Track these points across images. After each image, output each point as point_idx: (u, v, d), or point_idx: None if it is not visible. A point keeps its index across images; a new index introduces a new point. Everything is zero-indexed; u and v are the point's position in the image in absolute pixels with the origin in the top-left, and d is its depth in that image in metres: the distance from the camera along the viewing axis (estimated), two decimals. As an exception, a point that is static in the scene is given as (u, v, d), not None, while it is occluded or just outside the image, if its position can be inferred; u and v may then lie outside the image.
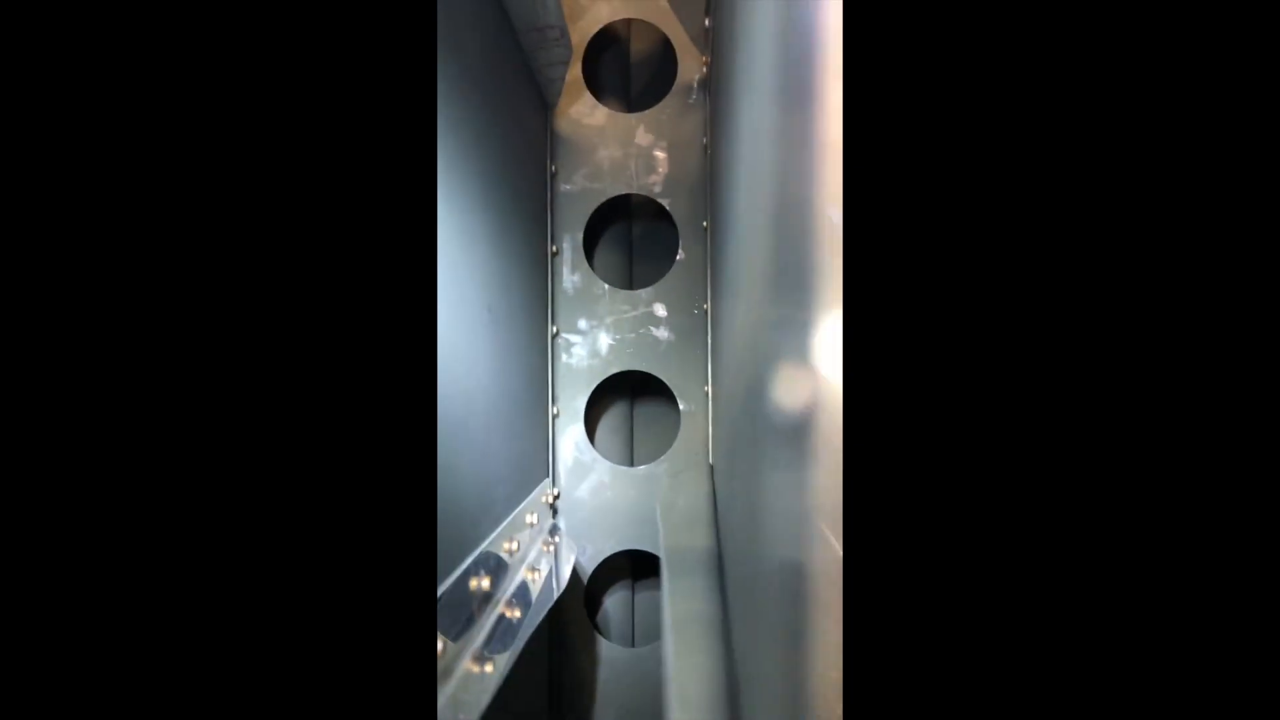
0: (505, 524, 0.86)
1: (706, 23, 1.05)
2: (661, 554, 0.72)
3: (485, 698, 0.55)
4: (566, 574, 0.99)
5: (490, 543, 0.78)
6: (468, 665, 0.62)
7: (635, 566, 1.37)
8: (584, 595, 1.30)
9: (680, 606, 0.55)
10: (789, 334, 0.35)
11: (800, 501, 0.29)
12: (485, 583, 0.72)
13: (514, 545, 0.87)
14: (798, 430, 0.31)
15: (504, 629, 0.74)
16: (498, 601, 0.76)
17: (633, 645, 1.35)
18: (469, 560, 0.70)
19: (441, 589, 0.61)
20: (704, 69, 1.24)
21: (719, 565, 0.66)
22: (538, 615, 0.83)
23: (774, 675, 0.33)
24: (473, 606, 0.69)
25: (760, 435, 0.38)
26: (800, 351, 0.31)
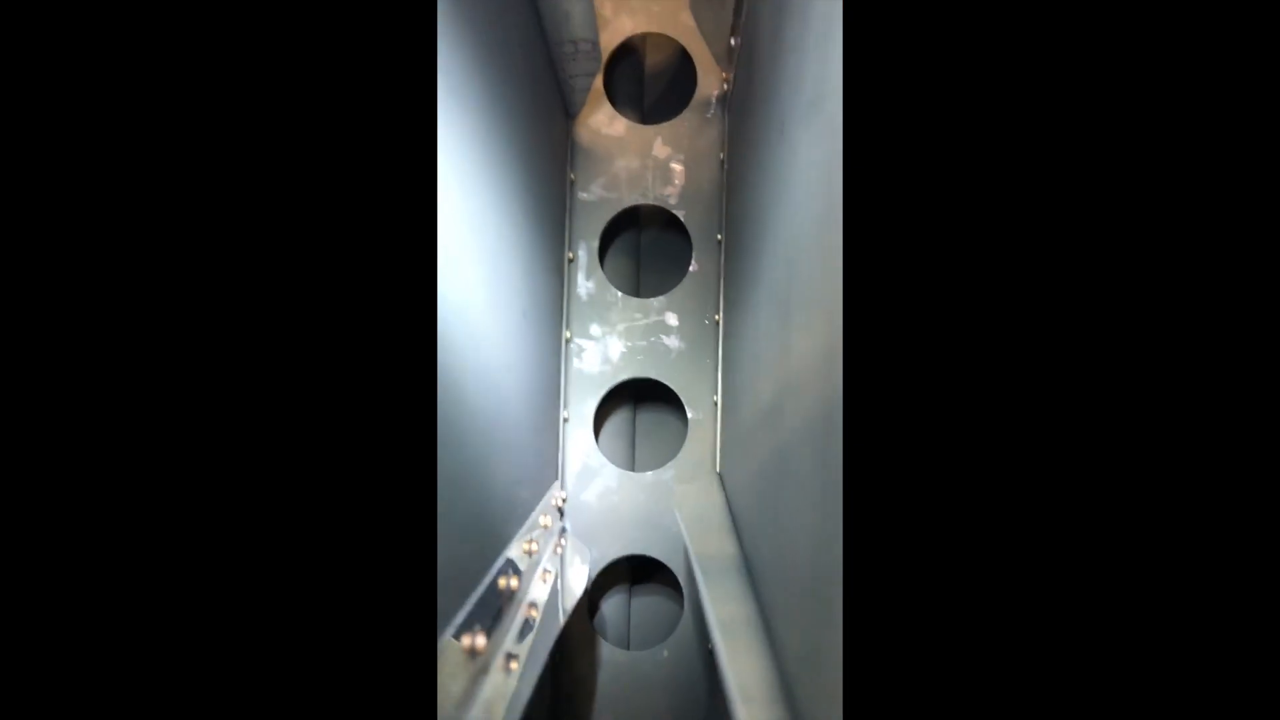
0: (526, 525, 0.88)
1: (732, 42, 1.07)
2: (693, 560, 0.74)
3: (524, 693, 0.57)
4: (581, 580, 1.01)
5: (515, 543, 0.80)
6: (500, 664, 0.63)
7: (634, 570, 1.39)
8: (586, 598, 1.31)
9: (722, 610, 0.57)
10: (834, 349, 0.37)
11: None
12: (513, 582, 0.73)
13: (532, 546, 0.88)
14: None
15: (527, 629, 0.76)
16: (521, 602, 0.77)
17: (628, 648, 1.37)
18: (501, 560, 0.71)
19: (479, 589, 0.62)
20: (724, 85, 1.27)
21: (747, 568, 0.68)
22: (556, 617, 0.85)
23: (834, 671, 0.35)
24: (501, 603, 0.70)
25: (826, 450, 0.40)
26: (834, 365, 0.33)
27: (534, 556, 0.89)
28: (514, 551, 0.80)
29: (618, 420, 1.39)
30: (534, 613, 0.81)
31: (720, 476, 1.21)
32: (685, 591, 1.29)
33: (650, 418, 1.42)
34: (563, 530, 1.22)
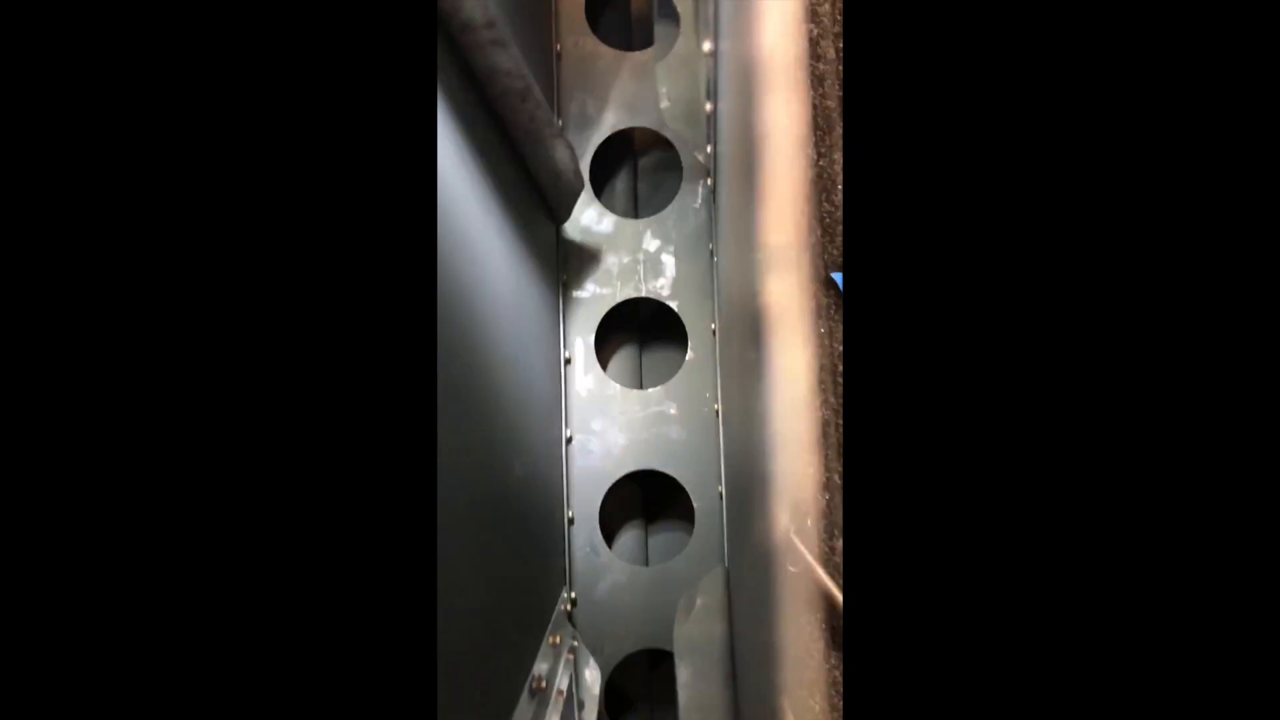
0: (539, 655, 0.88)
1: (708, 149, 1.10)
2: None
3: None
4: (594, 697, 1.00)
5: (531, 680, 0.80)
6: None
7: (651, 661, 1.38)
8: (603, 697, 1.30)
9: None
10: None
11: None
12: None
13: (541, 684, 0.88)
14: None
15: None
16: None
17: (650, 741, 1.35)
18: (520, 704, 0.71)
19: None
20: (708, 180, 1.29)
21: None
22: None
23: None
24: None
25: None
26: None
27: (545, 688, 0.88)
28: (529, 688, 0.80)
29: (627, 512, 1.39)
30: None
31: (727, 573, 1.21)
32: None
33: (660, 506, 1.41)
34: (572, 634, 1.21)
